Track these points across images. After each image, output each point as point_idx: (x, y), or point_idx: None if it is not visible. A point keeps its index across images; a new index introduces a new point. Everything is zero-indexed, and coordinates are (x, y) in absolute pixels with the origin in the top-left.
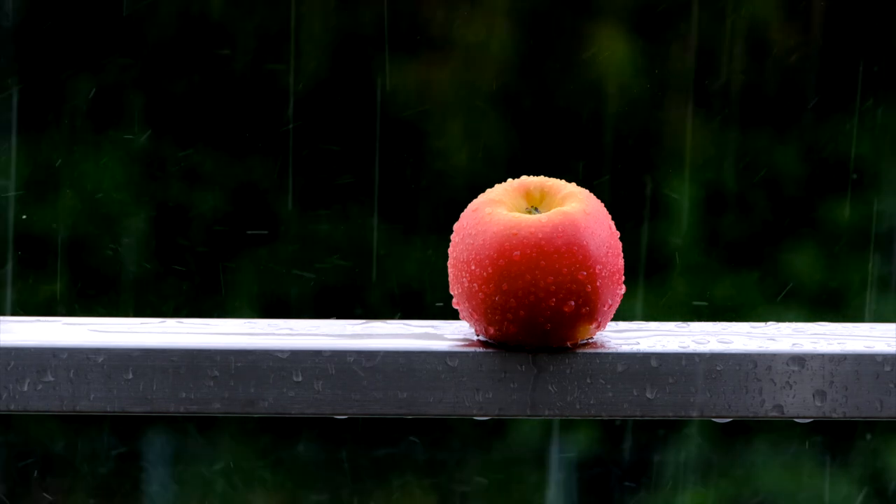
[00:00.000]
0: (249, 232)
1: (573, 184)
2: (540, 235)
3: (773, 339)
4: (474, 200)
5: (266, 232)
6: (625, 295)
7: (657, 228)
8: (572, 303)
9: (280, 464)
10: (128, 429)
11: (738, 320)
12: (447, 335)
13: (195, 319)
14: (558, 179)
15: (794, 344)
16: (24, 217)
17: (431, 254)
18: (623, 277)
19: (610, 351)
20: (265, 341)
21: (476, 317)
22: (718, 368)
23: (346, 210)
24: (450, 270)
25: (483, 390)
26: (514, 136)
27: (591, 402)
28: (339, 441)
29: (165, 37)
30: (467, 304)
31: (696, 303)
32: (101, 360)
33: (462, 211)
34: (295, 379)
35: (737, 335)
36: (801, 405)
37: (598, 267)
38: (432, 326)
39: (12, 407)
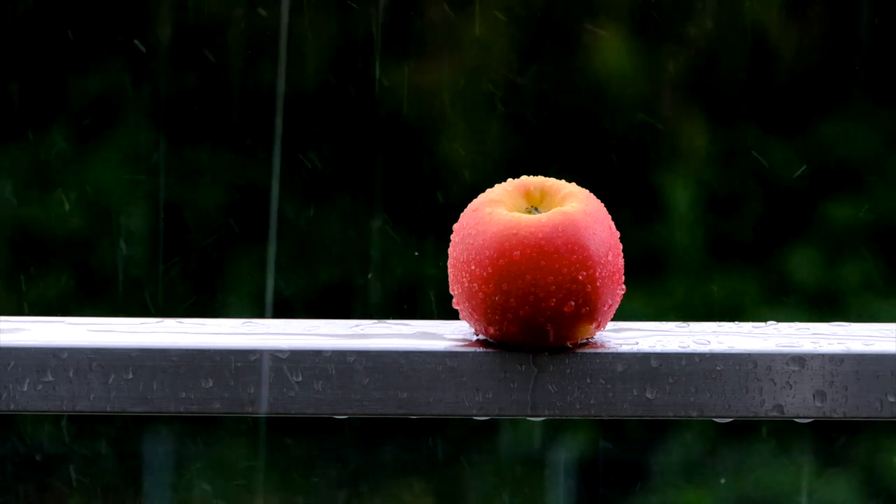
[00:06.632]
0: (249, 231)
1: (573, 184)
2: (540, 235)
3: (774, 339)
4: (474, 200)
5: (266, 231)
6: (625, 295)
7: (657, 228)
8: (572, 303)
9: (280, 464)
10: (128, 429)
11: (738, 320)
12: (447, 335)
13: (194, 319)
14: (558, 179)
15: (794, 344)
16: (23, 216)
17: (431, 254)
18: (623, 277)
19: (610, 351)
20: (265, 341)
21: (476, 317)
22: (718, 368)
23: (346, 210)
24: (450, 270)
25: (483, 390)
26: (514, 136)
27: (591, 402)
28: (339, 441)
29: (165, 36)
30: (467, 304)
31: (695, 303)
32: (101, 360)
33: (462, 211)
34: (295, 379)
35: (737, 335)
36: (801, 405)
37: (598, 267)
38: (432, 326)
39: (12, 407)
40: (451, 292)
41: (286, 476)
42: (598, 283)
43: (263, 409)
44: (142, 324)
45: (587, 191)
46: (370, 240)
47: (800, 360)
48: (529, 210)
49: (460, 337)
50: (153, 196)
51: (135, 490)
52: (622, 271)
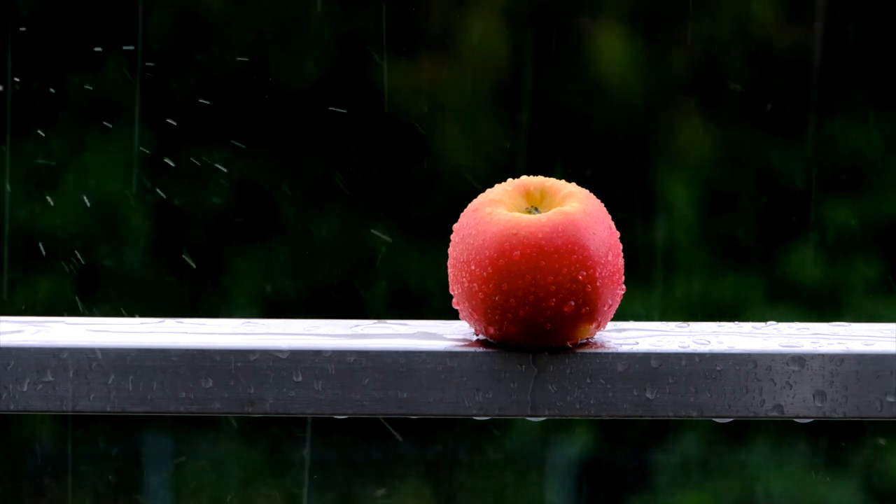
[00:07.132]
0: (249, 231)
1: (573, 184)
2: (540, 235)
3: (774, 339)
4: (474, 200)
5: (266, 231)
6: (625, 295)
7: (657, 228)
8: (572, 303)
9: (279, 464)
10: (128, 429)
11: (738, 320)
12: (447, 335)
13: (194, 319)
14: (558, 179)
15: (794, 344)
16: (22, 216)
17: (431, 254)
18: (623, 277)
19: (610, 351)
20: (265, 341)
21: (476, 317)
22: (718, 368)
23: (347, 210)
24: (450, 270)
25: (483, 390)
26: (514, 136)
27: (591, 402)
28: (339, 441)
29: (166, 35)
30: (467, 304)
31: (695, 303)
32: (100, 360)
33: (462, 211)
34: (295, 379)
35: (737, 335)
36: (801, 405)
37: (598, 267)
38: (432, 326)
39: (12, 407)
40: (451, 292)
41: (286, 475)
42: (598, 283)
43: (263, 409)
44: (142, 324)
45: (587, 191)
46: (370, 239)
47: (800, 360)
48: (529, 210)
49: (460, 337)
50: (153, 196)
51: (134, 490)
52: (622, 271)
